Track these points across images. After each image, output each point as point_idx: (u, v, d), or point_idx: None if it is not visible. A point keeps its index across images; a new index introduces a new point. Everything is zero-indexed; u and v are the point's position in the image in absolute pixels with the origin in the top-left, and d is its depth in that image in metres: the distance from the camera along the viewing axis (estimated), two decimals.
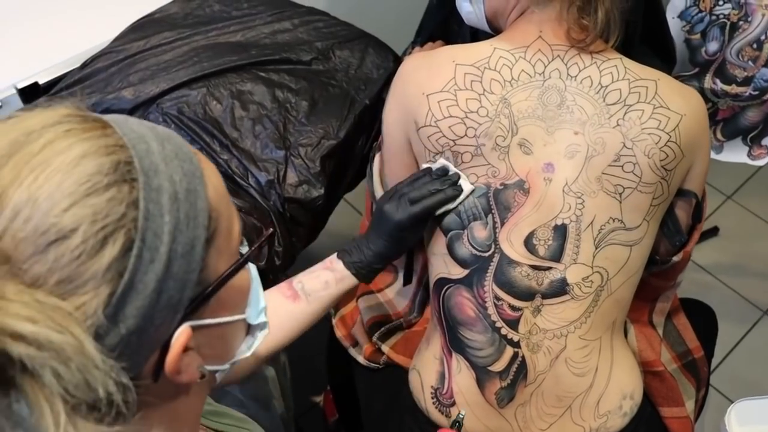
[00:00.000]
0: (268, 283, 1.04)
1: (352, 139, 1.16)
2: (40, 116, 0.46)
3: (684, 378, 1.05)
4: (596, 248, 0.88)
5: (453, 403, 0.93)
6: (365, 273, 0.91)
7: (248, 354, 0.59)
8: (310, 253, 1.43)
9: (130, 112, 1.17)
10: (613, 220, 0.88)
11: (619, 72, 0.90)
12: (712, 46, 1.37)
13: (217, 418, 0.72)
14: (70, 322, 0.41)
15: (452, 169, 0.90)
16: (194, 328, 0.49)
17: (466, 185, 0.90)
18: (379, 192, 1.04)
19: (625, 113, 0.88)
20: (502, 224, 0.89)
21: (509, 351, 0.90)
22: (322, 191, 1.10)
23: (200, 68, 1.20)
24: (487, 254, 0.90)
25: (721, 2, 1.33)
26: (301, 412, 1.58)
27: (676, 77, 1.39)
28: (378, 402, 1.07)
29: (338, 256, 0.92)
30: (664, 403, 1.01)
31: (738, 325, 1.81)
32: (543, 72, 0.90)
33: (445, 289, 0.93)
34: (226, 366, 0.56)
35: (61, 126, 0.46)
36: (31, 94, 1.24)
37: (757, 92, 1.37)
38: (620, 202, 0.88)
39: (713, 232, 1.97)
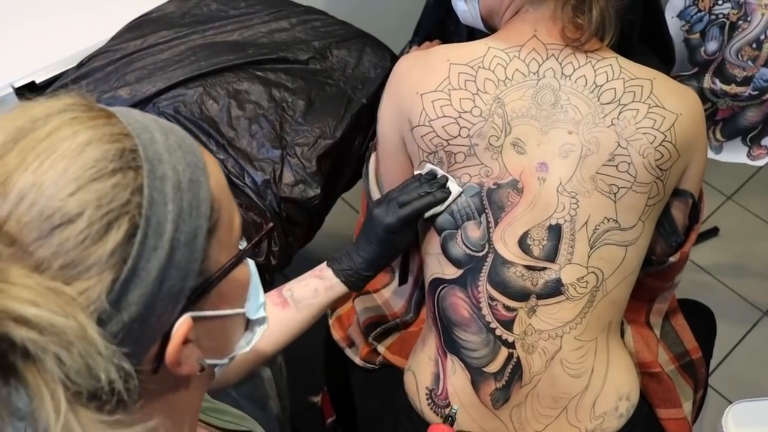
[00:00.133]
0: (264, 282, 1.05)
1: (349, 139, 1.16)
2: (45, 105, 0.47)
3: (682, 379, 1.04)
4: (591, 248, 0.88)
5: (448, 404, 0.93)
6: (355, 281, 0.90)
7: (247, 349, 0.59)
8: (308, 253, 1.43)
9: None
10: (608, 220, 0.88)
11: (614, 71, 0.90)
12: (712, 46, 1.37)
13: (216, 415, 0.72)
14: (73, 306, 0.41)
15: (440, 172, 0.91)
16: (195, 320, 0.49)
17: (454, 187, 0.90)
18: (375, 191, 1.03)
19: (620, 112, 0.88)
20: (496, 224, 0.89)
21: (504, 352, 0.89)
22: (318, 191, 1.09)
23: (197, 67, 1.20)
24: (480, 254, 0.89)
25: (720, 1, 1.32)
26: (298, 413, 1.58)
27: (675, 77, 1.39)
28: (374, 402, 1.07)
29: (328, 264, 0.91)
30: (661, 404, 1.00)
31: (738, 325, 1.80)
32: (537, 71, 0.90)
33: (439, 289, 0.93)
34: (225, 360, 0.56)
35: (67, 114, 0.46)
36: (28, 92, 1.24)
37: (756, 92, 1.37)
38: (615, 202, 0.88)
39: (713, 232, 1.96)
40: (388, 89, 0.96)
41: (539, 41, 0.91)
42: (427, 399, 0.95)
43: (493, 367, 0.90)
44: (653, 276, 1.00)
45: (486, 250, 0.89)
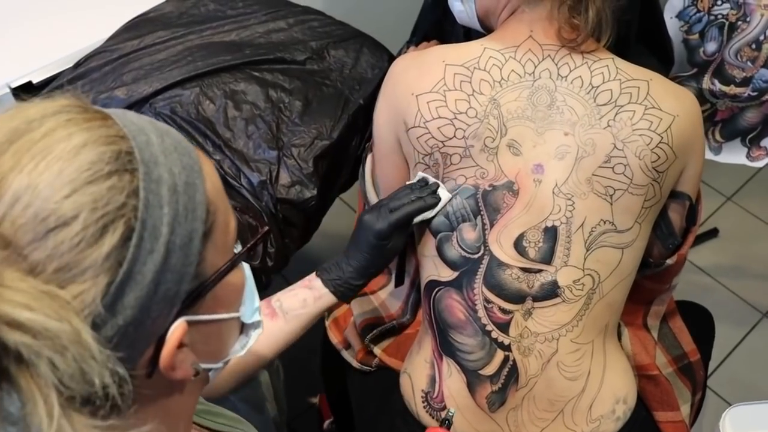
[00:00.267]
0: (260, 284, 1.05)
1: (346, 140, 1.16)
2: (41, 106, 0.46)
3: (679, 382, 1.04)
4: (587, 251, 0.87)
5: (443, 407, 0.92)
6: (344, 291, 0.89)
7: (242, 353, 0.59)
8: (306, 254, 1.43)
9: None
10: (604, 222, 0.87)
11: (611, 72, 0.89)
12: (711, 47, 1.36)
13: (211, 417, 0.72)
14: (67, 310, 0.41)
15: (431, 179, 0.91)
16: (190, 324, 0.49)
17: (444, 193, 0.90)
18: (371, 193, 1.03)
19: (616, 114, 0.88)
20: (492, 226, 0.88)
21: (500, 354, 0.89)
22: (314, 192, 1.09)
23: (194, 68, 1.19)
24: (476, 256, 0.89)
25: (719, 2, 1.32)
26: (296, 414, 1.58)
27: (674, 78, 1.38)
28: (370, 405, 1.07)
29: (317, 274, 0.90)
30: (659, 407, 1.00)
31: (737, 327, 1.79)
32: (533, 72, 0.89)
33: (435, 291, 0.92)
34: (220, 365, 0.56)
35: (62, 115, 0.46)
36: (25, 93, 1.24)
37: (756, 93, 1.36)
38: (611, 204, 0.87)
39: (712, 233, 1.96)
40: (383, 90, 0.96)
41: (535, 42, 0.90)
42: (423, 402, 0.94)
43: (489, 370, 0.89)
44: (650, 278, 1.00)
45: (481, 252, 0.89)
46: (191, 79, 1.17)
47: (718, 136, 1.47)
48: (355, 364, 1.08)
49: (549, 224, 0.87)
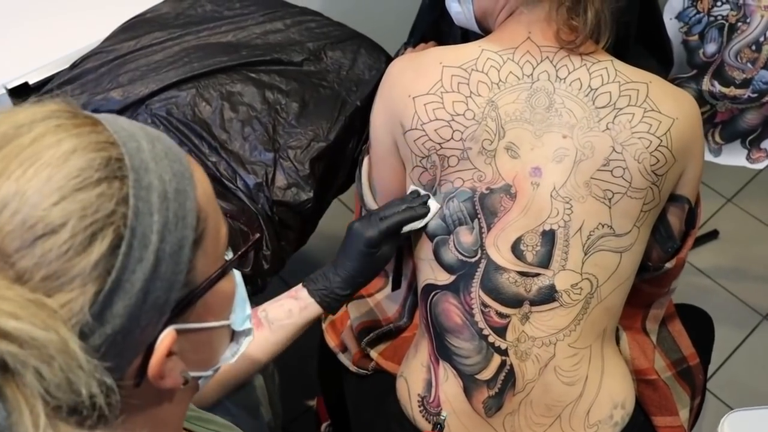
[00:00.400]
0: (256, 287, 1.04)
1: (343, 142, 1.15)
2: (30, 111, 0.46)
3: (678, 386, 1.03)
4: (585, 254, 0.87)
5: (440, 412, 0.91)
6: (329, 301, 0.88)
7: (232, 360, 0.58)
8: (304, 256, 1.42)
9: (119, 113, 1.16)
10: (603, 226, 0.87)
11: (610, 74, 0.88)
12: (711, 48, 1.35)
13: (202, 423, 0.71)
14: (55, 319, 0.40)
15: (423, 191, 0.91)
16: (179, 332, 0.48)
17: (433, 204, 0.90)
18: (368, 196, 1.02)
19: (615, 117, 0.87)
20: (489, 229, 0.87)
21: (497, 359, 0.88)
22: (311, 194, 1.08)
23: (190, 69, 1.19)
24: (473, 260, 0.88)
25: (719, 3, 1.31)
26: (293, 418, 1.57)
27: (674, 79, 1.37)
28: (366, 409, 1.06)
29: (303, 284, 0.89)
30: (657, 412, 0.99)
31: (737, 329, 1.79)
32: (531, 74, 0.88)
33: (432, 295, 0.92)
34: (210, 372, 0.56)
35: (51, 121, 0.45)
36: (21, 94, 1.23)
37: (756, 94, 1.35)
38: (610, 208, 0.86)
39: (713, 235, 1.95)
40: (380, 92, 0.95)
41: (533, 43, 0.89)
42: (419, 406, 0.94)
43: (486, 375, 0.89)
44: (649, 282, 0.99)
45: (478, 255, 0.88)
46: (187, 81, 1.17)
47: (717, 138, 1.46)
48: (351, 367, 1.07)
49: (547, 228, 0.87)
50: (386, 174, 0.97)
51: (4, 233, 0.41)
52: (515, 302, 0.87)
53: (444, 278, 0.90)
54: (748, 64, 1.33)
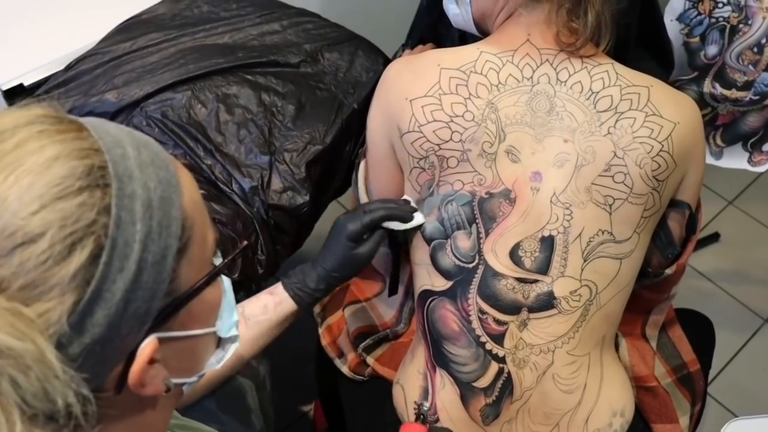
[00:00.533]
0: (250, 293, 1.02)
1: (340, 145, 1.14)
2: (14, 115, 0.45)
3: (678, 393, 1.02)
4: (584, 261, 0.85)
5: (437, 420, 0.90)
6: (302, 295, 0.87)
7: (218, 366, 0.57)
8: (299, 260, 1.41)
9: (114, 115, 1.15)
10: (603, 233, 0.85)
11: (611, 77, 0.87)
12: (712, 50, 1.34)
13: None
14: (32, 329, 0.40)
15: (412, 202, 0.91)
16: (161, 340, 0.48)
17: (419, 217, 0.89)
18: (364, 199, 1.01)
19: (617, 121, 0.86)
20: (487, 235, 0.86)
21: (494, 366, 0.87)
22: (307, 198, 1.07)
23: (186, 71, 1.17)
24: (470, 266, 0.87)
25: (720, 5, 1.30)
26: (289, 422, 1.56)
27: (675, 81, 1.36)
28: (362, 415, 1.05)
29: (281, 279, 0.88)
30: (657, 419, 0.98)
31: (738, 333, 1.77)
32: (531, 77, 0.87)
33: (429, 301, 0.90)
34: (194, 378, 0.55)
35: (35, 126, 0.45)
36: (16, 95, 1.22)
37: (757, 97, 1.34)
38: (610, 214, 0.85)
39: (714, 238, 1.94)
40: (377, 95, 0.94)
41: (533, 46, 0.88)
42: (416, 413, 0.92)
43: (483, 382, 0.88)
44: (649, 288, 0.98)
45: (476, 261, 0.87)
46: (183, 83, 1.16)
47: (719, 141, 1.45)
48: (347, 373, 1.06)
49: (546, 234, 0.85)
50: (383, 177, 0.96)
51: None
52: (513, 309, 0.86)
53: (441, 284, 0.89)
54: (750, 67, 1.32)
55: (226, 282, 0.56)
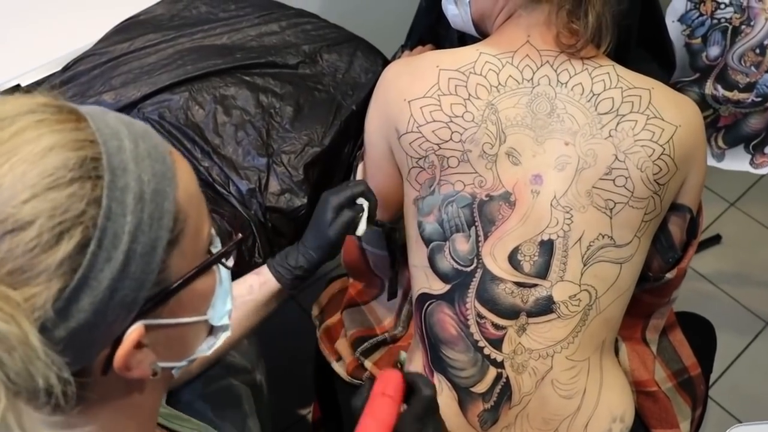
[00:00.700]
0: None
1: (338, 146, 1.13)
2: (16, 102, 0.47)
3: (679, 397, 1.01)
4: (584, 265, 0.84)
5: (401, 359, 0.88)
6: (282, 272, 0.86)
7: (208, 353, 0.58)
8: None
9: None
10: (603, 237, 0.84)
11: (612, 79, 0.86)
12: (714, 51, 1.33)
13: (179, 422, 0.72)
14: (17, 312, 0.42)
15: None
16: (149, 327, 0.49)
17: (362, 225, 0.87)
18: None
19: (618, 123, 0.85)
20: (486, 238, 0.85)
21: (492, 372, 0.86)
22: (305, 200, 1.06)
23: (184, 72, 1.17)
24: (469, 269, 0.86)
25: (722, 6, 1.29)
26: (289, 424, 1.55)
27: (676, 83, 1.35)
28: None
29: (267, 260, 0.88)
30: (658, 425, 0.97)
31: (740, 336, 1.76)
32: (531, 78, 0.86)
33: (426, 305, 0.90)
34: (183, 363, 0.56)
35: (35, 115, 0.46)
36: None
37: (759, 99, 1.33)
38: (610, 218, 0.84)
39: (715, 239, 1.93)
40: (375, 96, 0.93)
41: (533, 47, 0.87)
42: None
43: (481, 388, 0.87)
44: (649, 292, 0.97)
45: (474, 265, 0.86)
46: (181, 84, 1.15)
47: (720, 143, 1.44)
48: (345, 376, 1.05)
49: (545, 237, 0.85)
50: (381, 179, 0.95)
51: None
52: (512, 313, 0.85)
53: (439, 287, 0.88)
54: (752, 68, 1.31)
55: (223, 272, 0.57)
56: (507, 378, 0.86)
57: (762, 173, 1.45)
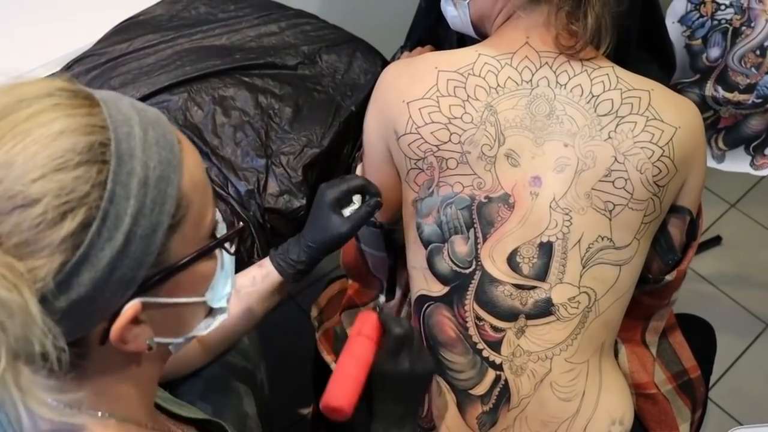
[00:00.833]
0: None
1: (337, 148, 1.13)
2: (35, 86, 0.50)
3: (679, 400, 1.00)
4: (583, 267, 0.84)
5: (433, 427, 0.89)
6: (284, 266, 0.87)
7: (205, 332, 0.61)
8: None
9: None
10: (602, 239, 0.84)
11: (611, 81, 0.86)
12: (714, 52, 1.33)
13: (177, 408, 0.74)
14: (20, 281, 0.45)
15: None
16: (146, 304, 0.52)
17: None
18: None
19: (617, 125, 0.84)
20: (484, 240, 0.85)
21: (491, 374, 0.86)
22: (303, 201, 1.06)
23: (182, 72, 1.17)
24: (467, 271, 0.86)
25: (723, 7, 1.28)
26: (290, 424, 1.55)
27: (676, 84, 1.35)
28: (358, 419, 1.03)
29: (269, 252, 0.89)
30: (657, 427, 0.97)
31: (740, 337, 1.76)
32: (530, 80, 0.86)
33: (425, 306, 0.89)
34: (180, 340, 0.59)
35: (51, 99, 0.49)
36: None
37: (760, 100, 1.33)
38: (610, 220, 0.84)
39: (716, 241, 1.92)
40: (374, 97, 0.93)
41: (532, 48, 0.87)
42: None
43: (480, 390, 0.87)
44: (649, 294, 0.97)
45: (473, 267, 0.86)
46: (179, 84, 1.15)
47: (721, 144, 1.44)
48: None
49: (544, 240, 0.84)
50: (380, 181, 0.95)
51: None
52: (510, 316, 0.85)
53: (437, 289, 0.88)
54: (753, 69, 1.30)
55: (226, 257, 0.60)
56: (506, 380, 0.86)
57: (762, 175, 1.44)
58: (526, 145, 0.85)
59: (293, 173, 1.07)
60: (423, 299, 0.90)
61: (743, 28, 1.28)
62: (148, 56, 1.22)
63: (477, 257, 0.85)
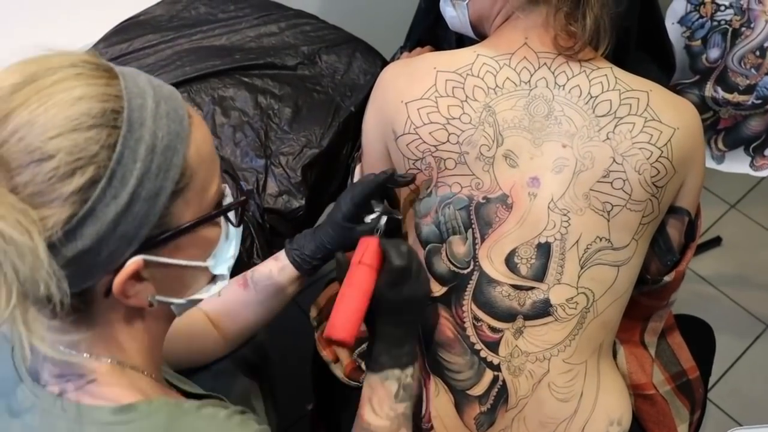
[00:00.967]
0: None
1: (336, 148, 1.13)
2: (62, 57, 0.55)
3: (677, 401, 1.00)
4: (581, 268, 0.84)
5: (431, 428, 0.89)
6: (300, 262, 0.88)
7: (206, 296, 0.65)
8: None
9: None
10: (600, 240, 0.84)
11: (610, 82, 0.86)
12: (714, 53, 1.33)
13: (188, 386, 0.77)
14: (33, 227, 0.50)
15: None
16: (148, 262, 0.57)
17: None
18: None
19: (616, 126, 0.84)
20: (482, 240, 0.85)
21: (489, 374, 0.86)
22: (303, 202, 1.06)
23: (182, 73, 1.17)
24: (465, 271, 0.86)
25: (722, 8, 1.28)
26: (292, 422, 1.55)
27: (676, 85, 1.35)
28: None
29: (285, 244, 0.91)
30: (655, 428, 0.96)
31: (740, 338, 1.76)
32: (529, 81, 0.86)
33: None
34: (182, 301, 0.63)
35: (75, 69, 0.54)
36: None
37: (759, 101, 1.33)
38: (608, 221, 0.84)
39: (715, 242, 1.92)
40: (373, 98, 0.93)
41: (530, 49, 0.87)
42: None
43: (478, 390, 0.87)
44: (648, 295, 0.97)
45: (471, 267, 0.86)
46: (179, 85, 1.15)
47: (720, 145, 1.44)
48: (343, 378, 1.05)
49: (542, 240, 0.84)
50: None
51: (11, 152, 0.51)
52: (508, 316, 0.85)
53: (436, 290, 0.88)
54: (752, 70, 1.30)
55: (232, 230, 0.65)
56: (504, 381, 0.86)
57: (762, 175, 1.44)
58: (525, 146, 0.85)
59: (292, 173, 1.07)
60: None
61: (743, 29, 1.28)
62: (148, 56, 1.22)
63: (475, 258, 0.86)
